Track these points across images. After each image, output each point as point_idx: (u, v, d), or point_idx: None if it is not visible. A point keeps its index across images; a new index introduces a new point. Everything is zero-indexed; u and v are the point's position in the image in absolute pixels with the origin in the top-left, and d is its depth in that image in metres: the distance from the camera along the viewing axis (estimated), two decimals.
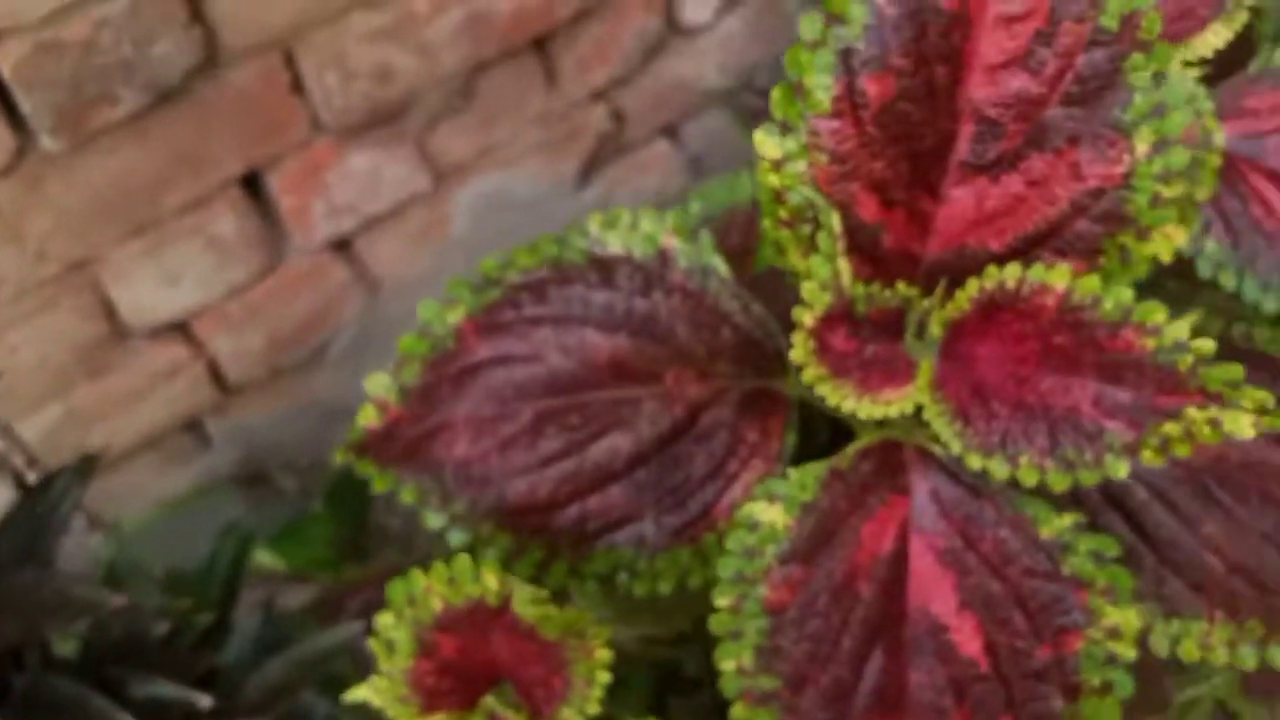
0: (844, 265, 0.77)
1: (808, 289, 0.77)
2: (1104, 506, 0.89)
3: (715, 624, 0.81)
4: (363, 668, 0.91)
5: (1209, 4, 0.94)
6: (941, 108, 0.78)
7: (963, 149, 0.79)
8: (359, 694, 0.88)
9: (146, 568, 1.44)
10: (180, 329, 1.53)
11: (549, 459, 0.93)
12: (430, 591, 0.86)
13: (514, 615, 0.86)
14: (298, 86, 1.42)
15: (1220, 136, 0.91)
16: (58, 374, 1.47)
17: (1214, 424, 0.73)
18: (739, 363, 0.93)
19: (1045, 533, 0.82)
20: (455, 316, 0.94)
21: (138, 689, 1.03)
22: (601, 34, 1.60)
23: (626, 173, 1.75)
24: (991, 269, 0.77)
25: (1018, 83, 0.78)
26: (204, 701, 1.03)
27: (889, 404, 0.79)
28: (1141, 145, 0.77)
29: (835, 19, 0.77)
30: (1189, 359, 0.73)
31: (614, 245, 0.94)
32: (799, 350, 0.77)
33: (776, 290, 0.91)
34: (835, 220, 0.77)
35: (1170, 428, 0.74)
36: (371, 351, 1.62)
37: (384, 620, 0.87)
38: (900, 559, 0.82)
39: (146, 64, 1.30)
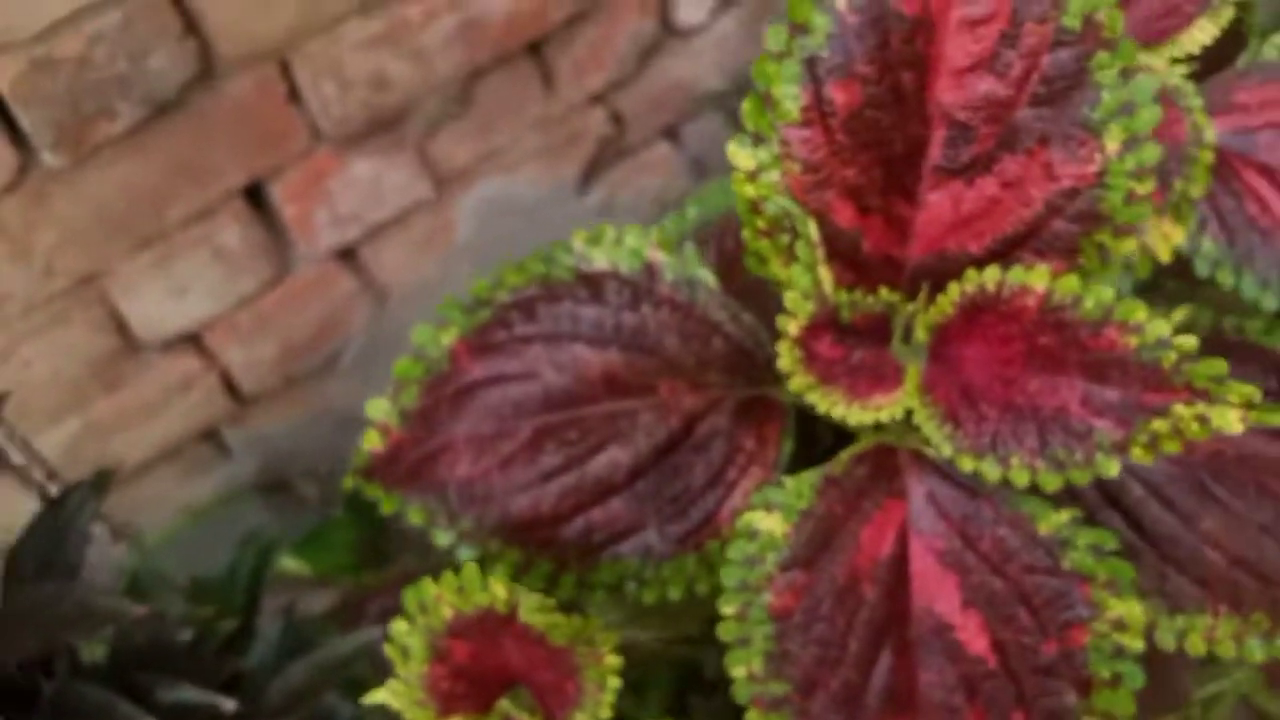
0: (825, 273, 0.77)
1: (790, 298, 0.77)
2: (1101, 505, 0.89)
3: (723, 631, 0.82)
4: (383, 671, 0.92)
5: (1195, 0, 0.94)
6: (911, 113, 0.79)
7: (935, 153, 0.79)
8: (377, 697, 0.90)
9: (170, 576, 1.46)
10: (192, 340, 1.54)
11: (550, 474, 0.94)
12: (441, 599, 0.87)
13: (523, 622, 0.87)
14: (295, 96, 1.43)
15: (1211, 133, 0.91)
16: (73, 388, 1.48)
17: (1202, 420, 0.73)
18: (731, 372, 0.94)
19: (1043, 529, 0.82)
20: (448, 338, 0.95)
21: (164, 694, 1.05)
22: (596, 37, 1.60)
23: (628, 175, 1.76)
24: (971, 272, 0.78)
25: (985, 85, 0.78)
26: (228, 705, 1.04)
27: (879, 409, 0.80)
28: (1112, 143, 0.78)
29: (799, 29, 0.78)
30: (1172, 356, 0.74)
31: (600, 261, 0.95)
32: (785, 359, 0.78)
33: (776, 295, 0.91)
34: (812, 228, 0.77)
35: (1158, 425, 0.74)
36: (383, 358, 1.62)
37: (398, 626, 0.88)
38: (901, 561, 0.83)
39: (143, 77, 1.31)
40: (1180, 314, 0.91)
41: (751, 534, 0.82)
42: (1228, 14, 0.94)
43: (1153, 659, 0.87)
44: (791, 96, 0.79)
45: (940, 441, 0.78)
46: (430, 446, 0.95)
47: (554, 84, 1.61)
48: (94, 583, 1.07)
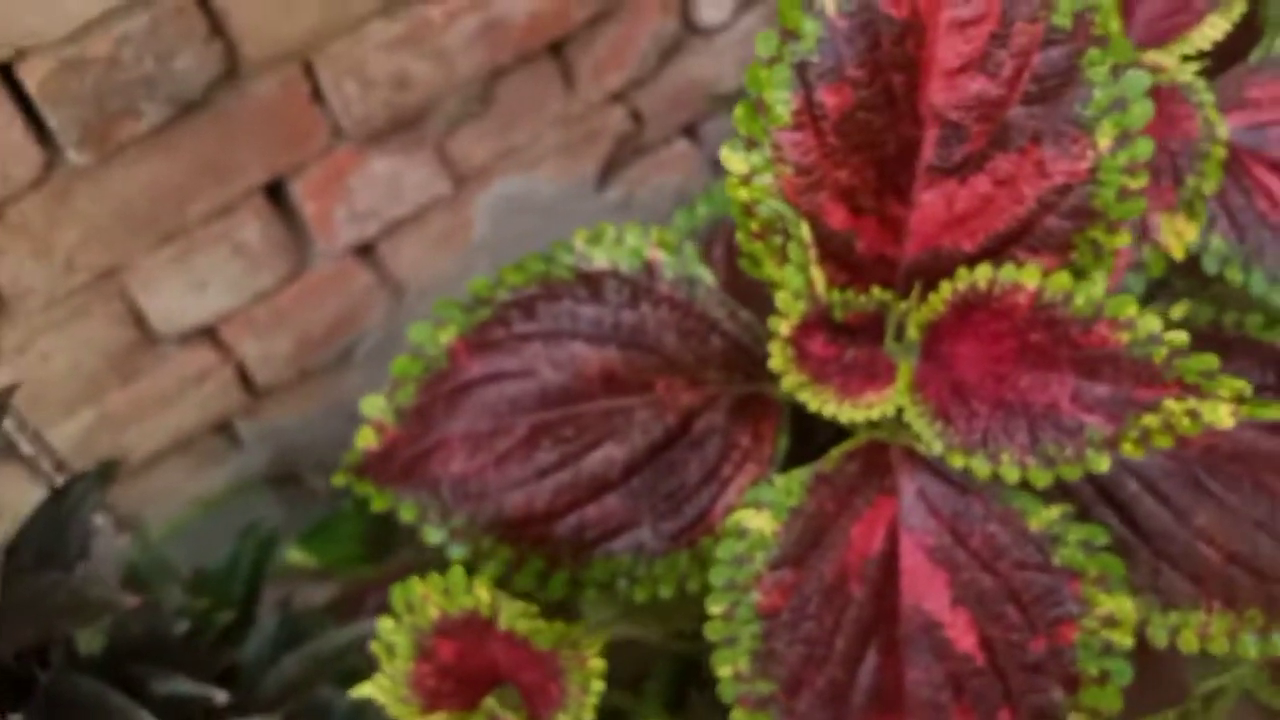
0: (817, 274, 0.77)
1: (782, 299, 0.77)
2: (1095, 500, 0.89)
3: (710, 631, 0.82)
4: (377, 664, 0.93)
5: None
6: (903, 114, 0.79)
7: (928, 153, 0.80)
8: (363, 692, 0.91)
9: (174, 567, 1.46)
10: (208, 334, 1.54)
11: (545, 471, 0.94)
12: (428, 599, 0.88)
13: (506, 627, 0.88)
14: (318, 96, 1.43)
15: (1224, 129, 0.91)
16: (90, 380, 1.49)
17: (1193, 415, 0.73)
18: (729, 369, 0.94)
19: (1034, 525, 0.82)
20: (447, 336, 0.95)
21: (158, 686, 1.05)
22: (618, 36, 1.60)
23: (647, 172, 1.75)
24: (962, 270, 0.78)
25: (977, 85, 0.78)
26: (220, 697, 1.05)
27: (870, 407, 0.80)
28: (1104, 140, 0.77)
29: (789, 35, 0.78)
30: (1163, 351, 0.74)
31: (600, 260, 0.96)
32: (777, 359, 0.78)
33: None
34: (804, 230, 0.78)
35: (1149, 420, 0.74)
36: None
37: (385, 624, 0.89)
38: (890, 558, 0.83)
39: (168, 78, 1.31)
40: (1179, 310, 0.91)
41: (741, 533, 0.83)
42: (1239, 9, 0.93)
43: (1153, 654, 0.87)
44: (783, 101, 0.79)
45: (931, 438, 0.78)
46: (425, 444, 0.95)
47: (574, 83, 1.60)
48: (97, 574, 1.07)
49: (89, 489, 1.08)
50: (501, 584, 0.92)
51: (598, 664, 0.87)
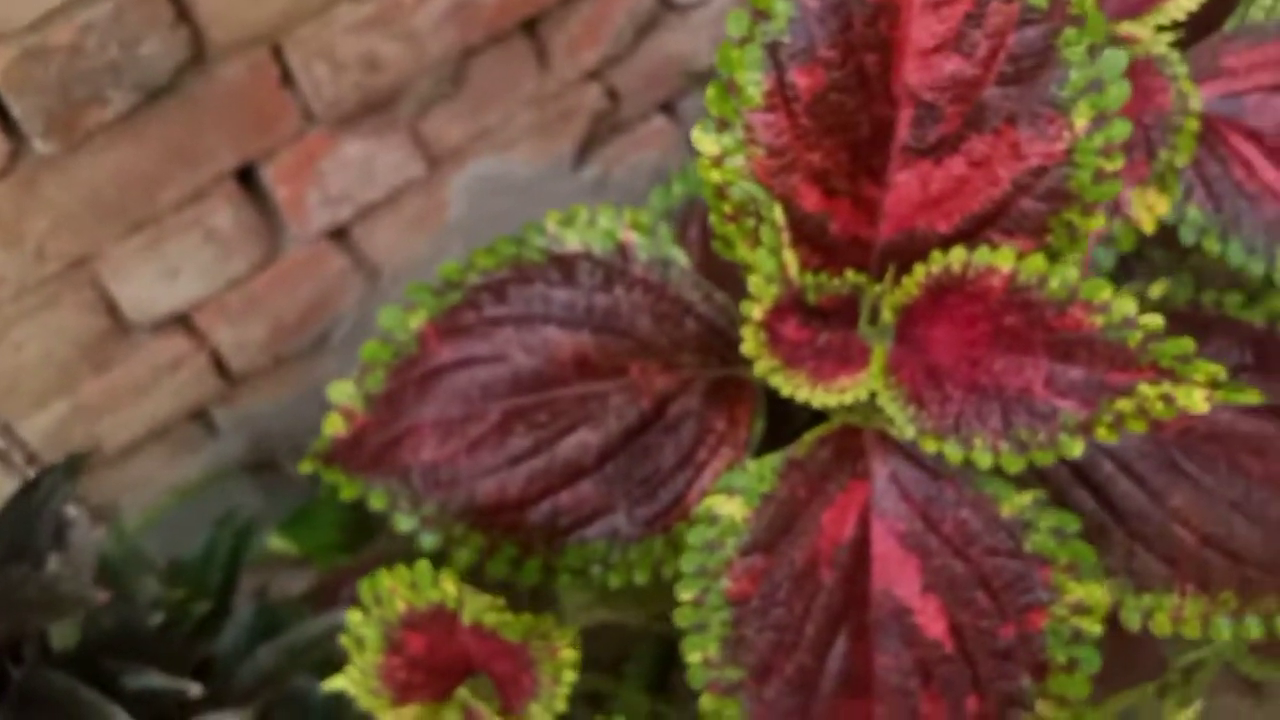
0: (790, 256, 0.77)
1: (754, 282, 0.77)
2: (1071, 482, 0.89)
3: (679, 618, 0.82)
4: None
5: None
6: (876, 95, 0.78)
7: (903, 134, 0.79)
8: (335, 684, 0.90)
9: (149, 559, 1.45)
10: (182, 321, 1.53)
11: (518, 457, 0.93)
12: (395, 593, 0.87)
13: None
14: (287, 79, 1.42)
15: (1197, 100, 0.90)
16: (63, 370, 1.48)
17: (1167, 399, 0.73)
18: (704, 352, 0.93)
19: (1006, 511, 0.82)
20: (417, 321, 0.95)
21: (131, 680, 1.04)
22: (592, 13, 1.59)
23: (624, 150, 1.74)
24: (937, 253, 0.77)
25: (951, 66, 0.77)
26: (194, 690, 1.04)
27: (843, 391, 0.79)
28: (1080, 121, 0.77)
29: (761, 15, 0.77)
30: (1138, 335, 0.73)
31: (573, 242, 0.95)
32: (749, 343, 0.78)
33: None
34: (777, 212, 0.77)
35: (1123, 404, 0.74)
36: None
37: (353, 617, 0.89)
38: (862, 544, 0.83)
39: (134, 64, 1.30)
40: (1157, 289, 0.90)
41: (712, 519, 0.82)
42: None
43: (1129, 630, 0.87)
44: (754, 82, 0.78)
45: (904, 423, 0.78)
46: (395, 430, 0.94)
47: (549, 61, 1.60)
48: (69, 568, 1.07)
49: (59, 481, 1.07)
50: (474, 572, 0.91)
51: (569, 654, 0.86)
